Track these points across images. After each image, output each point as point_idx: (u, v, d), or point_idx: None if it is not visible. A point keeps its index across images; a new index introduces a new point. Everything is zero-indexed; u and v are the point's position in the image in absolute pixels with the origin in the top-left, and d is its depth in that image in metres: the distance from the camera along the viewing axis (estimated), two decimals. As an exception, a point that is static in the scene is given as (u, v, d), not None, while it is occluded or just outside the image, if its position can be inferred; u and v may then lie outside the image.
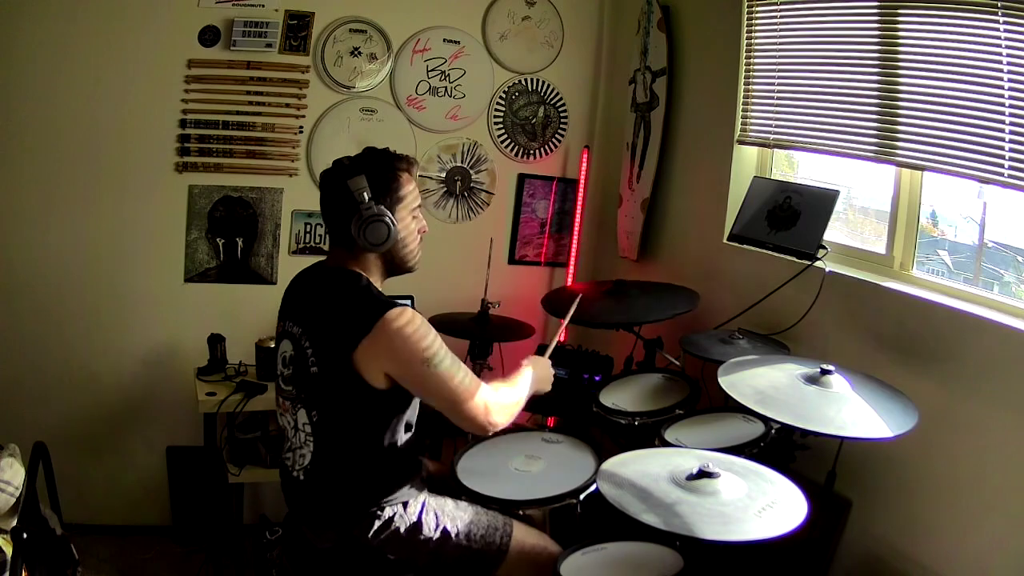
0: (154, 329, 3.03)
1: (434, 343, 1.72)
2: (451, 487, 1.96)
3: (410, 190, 1.84)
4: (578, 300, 2.36)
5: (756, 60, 2.66)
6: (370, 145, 1.86)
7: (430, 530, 1.79)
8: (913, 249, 2.27)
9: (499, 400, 1.83)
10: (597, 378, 2.73)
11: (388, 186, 1.79)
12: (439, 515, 1.83)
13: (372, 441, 1.76)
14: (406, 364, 1.70)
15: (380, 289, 1.81)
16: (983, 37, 1.95)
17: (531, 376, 1.98)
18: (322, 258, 1.92)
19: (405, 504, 1.79)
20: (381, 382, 1.71)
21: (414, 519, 1.79)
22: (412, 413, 1.85)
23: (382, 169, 1.80)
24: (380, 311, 1.68)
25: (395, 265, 1.87)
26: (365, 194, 1.75)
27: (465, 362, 3.01)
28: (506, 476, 2.02)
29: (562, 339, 2.46)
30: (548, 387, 2.07)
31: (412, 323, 1.70)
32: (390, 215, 1.77)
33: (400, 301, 1.78)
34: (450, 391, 1.73)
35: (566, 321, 2.33)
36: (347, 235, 1.77)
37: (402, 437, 1.82)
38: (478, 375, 2.91)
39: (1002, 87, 1.91)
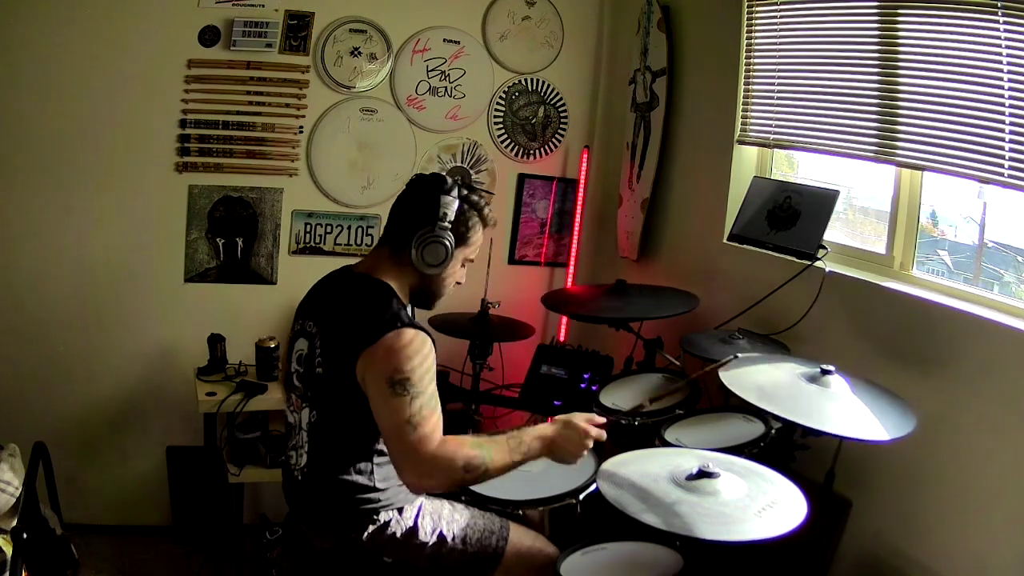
0: (154, 329, 3.03)
1: (415, 372, 1.61)
2: (451, 487, 1.96)
3: (478, 242, 1.89)
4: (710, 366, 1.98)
5: (756, 60, 2.66)
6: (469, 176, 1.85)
7: (426, 535, 1.79)
8: (913, 249, 2.27)
9: (460, 462, 1.61)
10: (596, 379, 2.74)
11: (467, 224, 1.83)
12: (435, 519, 1.82)
13: (364, 448, 1.75)
14: (375, 375, 1.62)
15: (404, 306, 1.77)
16: (983, 37, 1.95)
17: (537, 442, 1.73)
18: (332, 260, 1.90)
19: (401, 509, 1.79)
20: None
21: (410, 523, 1.79)
22: None
23: (471, 208, 1.83)
24: (390, 327, 1.65)
25: (422, 292, 1.86)
26: (449, 216, 1.77)
27: (465, 362, 3.09)
28: (506, 476, 2.02)
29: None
30: (574, 460, 1.77)
31: (410, 346, 1.64)
32: (452, 247, 1.79)
33: (421, 325, 1.70)
34: (399, 423, 1.58)
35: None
36: (404, 241, 1.77)
37: None
38: (478, 374, 2.97)
39: (1002, 87, 1.91)
